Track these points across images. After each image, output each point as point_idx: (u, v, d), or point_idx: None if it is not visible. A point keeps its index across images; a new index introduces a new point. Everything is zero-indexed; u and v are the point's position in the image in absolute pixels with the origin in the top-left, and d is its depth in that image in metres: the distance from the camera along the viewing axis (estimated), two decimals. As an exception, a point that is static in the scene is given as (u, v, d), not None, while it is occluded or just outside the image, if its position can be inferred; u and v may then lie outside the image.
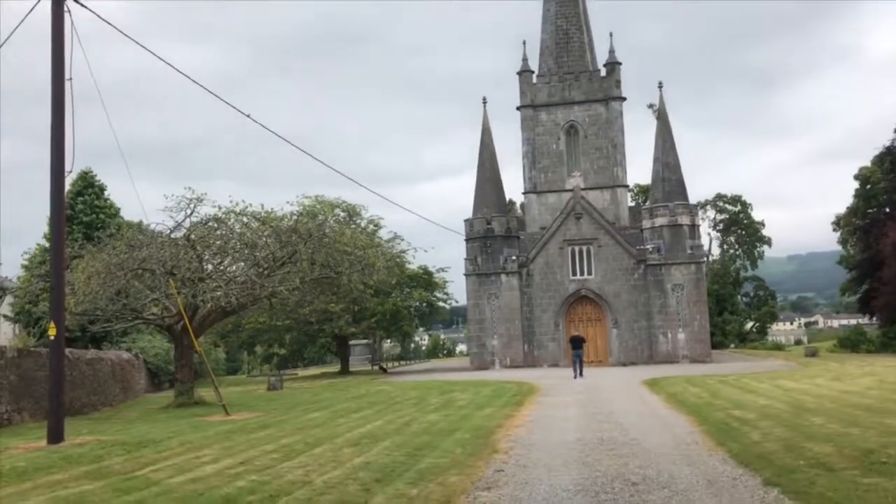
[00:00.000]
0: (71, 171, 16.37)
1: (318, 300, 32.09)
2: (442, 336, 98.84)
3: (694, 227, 43.15)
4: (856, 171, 54.68)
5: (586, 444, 13.16)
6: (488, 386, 27.27)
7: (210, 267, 25.82)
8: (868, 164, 53.66)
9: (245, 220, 26.72)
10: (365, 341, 54.74)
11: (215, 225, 25.80)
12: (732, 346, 66.12)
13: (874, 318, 54.96)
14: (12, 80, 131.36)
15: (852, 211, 56.23)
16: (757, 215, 75.36)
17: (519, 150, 48.42)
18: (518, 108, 48.26)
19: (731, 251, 76.56)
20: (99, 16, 15.81)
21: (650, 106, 63.61)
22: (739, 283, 74.75)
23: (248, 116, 19.36)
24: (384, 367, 50.60)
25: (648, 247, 42.42)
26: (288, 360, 62.51)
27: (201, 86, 19.46)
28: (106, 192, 38.12)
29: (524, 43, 49.08)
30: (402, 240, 45.05)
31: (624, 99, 47.68)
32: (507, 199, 51.24)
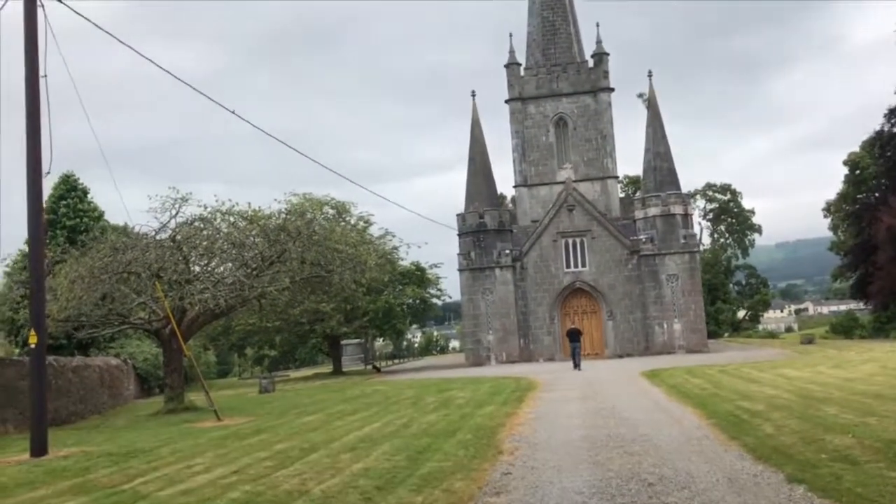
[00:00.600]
0: (49, 173, 15.68)
1: (308, 300, 31.52)
2: (435, 333, 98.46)
3: (687, 217, 42.76)
4: (845, 157, 54.43)
5: (594, 441, 12.66)
6: (486, 382, 26.74)
7: (197, 268, 25.18)
8: (857, 149, 53.46)
9: (232, 219, 26.13)
10: (357, 341, 54.10)
11: (201, 225, 25.16)
12: (726, 335, 65.99)
13: (868, 304, 54.79)
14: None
15: (843, 197, 55.94)
16: (746, 204, 75.28)
17: (508, 143, 48.01)
18: (506, 102, 47.77)
19: (722, 240, 76.39)
20: (76, 11, 15.17)
21: (640, 95, 63.38)
22: (731, 272, 74.74)
23: (233, 112, 18.89)
24: (378, 366, 50.01)
25: (642, 237, 42.04)
26: (279, 361, 62.05)
27: (192, 87, 18.89)
28: (89, 196, 37.32)
29: (511, 35, 48.63)
30: (394, 236, 44.33)
31: (612, 90, 47.28)
32: (499, 192, 50.77)
